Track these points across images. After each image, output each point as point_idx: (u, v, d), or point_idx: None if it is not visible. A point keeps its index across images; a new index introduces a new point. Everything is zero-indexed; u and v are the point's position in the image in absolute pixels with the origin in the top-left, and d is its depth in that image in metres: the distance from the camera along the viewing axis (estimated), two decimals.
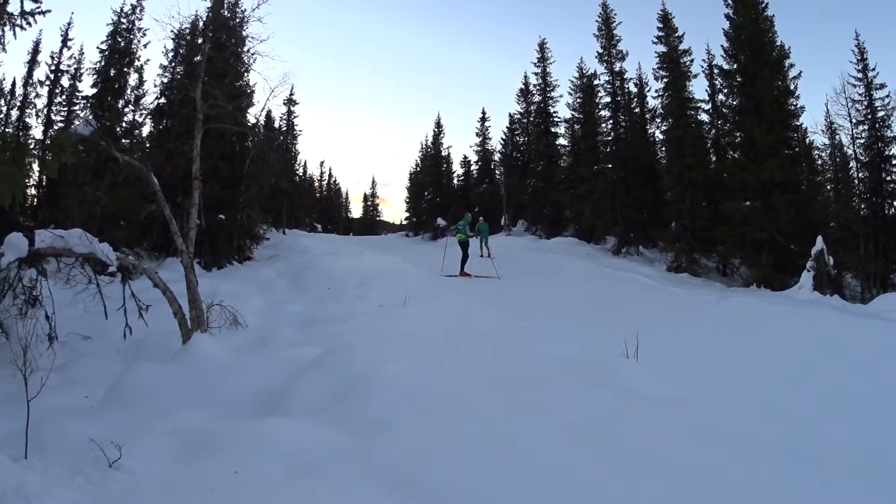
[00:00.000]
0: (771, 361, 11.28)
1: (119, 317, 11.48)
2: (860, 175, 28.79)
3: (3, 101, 30.40)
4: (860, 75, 28.25)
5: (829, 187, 31.98)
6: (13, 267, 10.21)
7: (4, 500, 4.76)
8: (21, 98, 30.66)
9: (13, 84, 31.08)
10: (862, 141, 28.32)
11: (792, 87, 29.42)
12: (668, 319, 15.82)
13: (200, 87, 13.95)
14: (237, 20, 24.10)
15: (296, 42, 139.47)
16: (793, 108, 29.43)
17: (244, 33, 24.03)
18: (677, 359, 10.74)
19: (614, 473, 5.65)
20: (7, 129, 29.25)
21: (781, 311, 18.04)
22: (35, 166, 7.85)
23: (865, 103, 28.11)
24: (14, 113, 30.63)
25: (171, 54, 29.22)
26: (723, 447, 6.32)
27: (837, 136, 30.62)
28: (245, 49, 25.35)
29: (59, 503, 5.05)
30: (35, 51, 31.10)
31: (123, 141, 26.30)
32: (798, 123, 30.04)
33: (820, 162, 32.88)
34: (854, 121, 28.44)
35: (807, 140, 31.60)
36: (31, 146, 7.90)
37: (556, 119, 47.51)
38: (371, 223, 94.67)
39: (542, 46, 48.48)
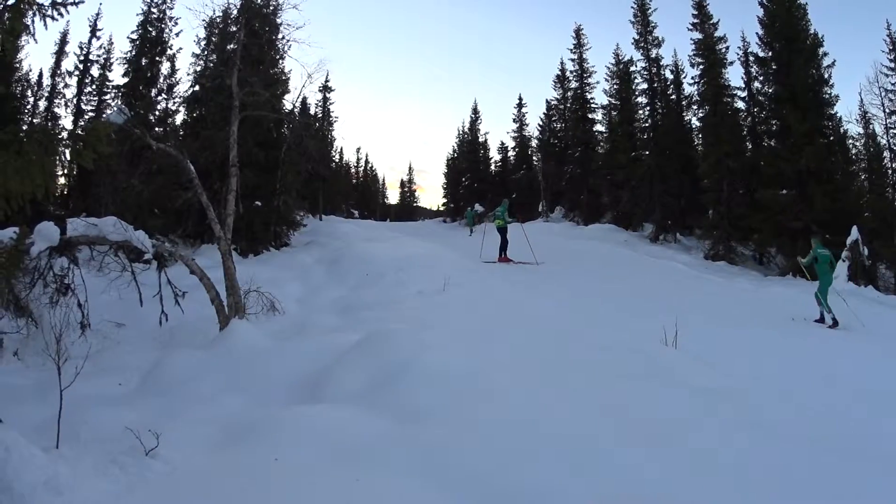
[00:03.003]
0: (810, 353, 11.21)
1: (154, 304, 11.43)
2: (894, 165, 28.55)
3: (30, 92, 30.68)
4: (893, 65, 27.99)
5: (863, 177, 31.61)
6: (44, 256, 10.13)
7: (35, 493, 4.56)
8: (49, 89, 30.97)
9: (40, 75, 31.51)
10: (895, 131, 27.92)
11: (826, 75, 29.45)
12: (707, 307, 15.71)
13: (236, 75, 13.92)
14: (271, 7, 24.06)
15: (331, 28, 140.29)
16: (827, 96, 29.46)
17: (279, 20, 23.98)
18: (716, 347, 10.53)
19: (657, 462, 5.48)
20: (35, 120, 29.49)
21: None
22: (68, 156, 7.64)
23: None
24: (42, 103, 30.97)
25: (203, 43, 29.24)
26: (768, 439, 6.07)
27: (871, 126, 30.45)
28: (280, 36, 25.30)
29: (92, 495, 4.85)
30: (63, 41, 31.59)
31: (157, 129, 26.42)
32: (832, 112, 30.04)
33: (854, 151, 32.43)
34: (888, 111, 28.24)
35: (841, 129, 31.27)
36: (64, 136, 7.69)
37: (593, 105, 47.85)
38: (408, 209, 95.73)
39: (578, 33, 48.77)
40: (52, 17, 7.73)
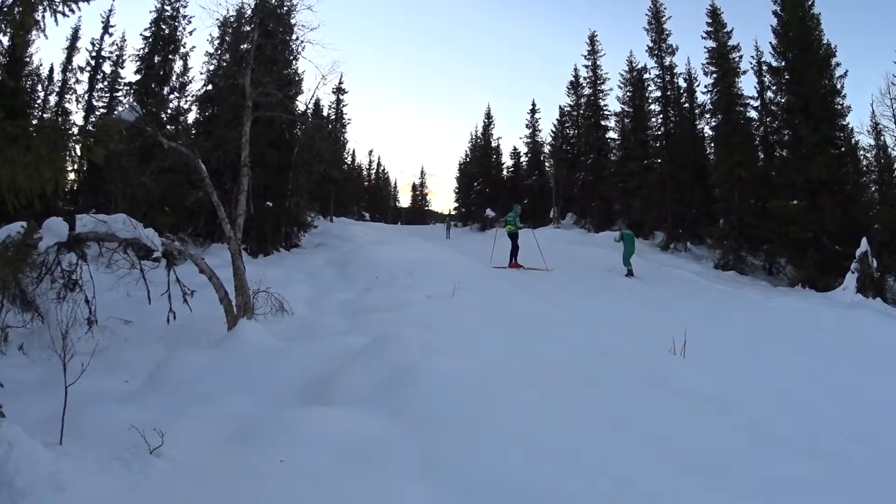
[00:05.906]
0: (819, 366, 11.14)
1: (162, 302, 11.41)
2: None
3: (41, 87, 30.84)
4: None
5: (873, 189, 31.32)
6: (52, 251, 10.10)
7: (37, 489, 4.50)
8: (60, 84, 31.13)
9: (51, 70, 31.73)
10: None
11: (838, 86, 29.21)
12: (716, 317, 15.63)
13: (249, 75, 13.89)
14: (285, 8, 24.11)
15: (346, 30, 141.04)
16: (839, 107, 29.21)
17: (293, 21, 24.02)
18: (724, 358, 10.61)
19: (659, 471, 5.43)
20: (46, 115, 29.66)
21: (826, 313, 17.69)
22: (78, 151, 7.60)
23: None
24: (53, 99, 31.16)
25: (216, 42, 29.37)
26: (774, 452, 6.02)
27: (882, 138, 30.20)
28: (294, 37, 25.36)
29: (95, 492, 4.79)
30: (74, 37, 31.78)
31: (168, 127, 26.54)
32: (844, 123, 29.72)
33: (865, 163, 32.10)
34: None
35: (852, 140, 30.97)
36: (74, 132, 7.65)
37: (606, 112, 47.59)
38: (419, 212, 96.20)
39: (592, 39, 48.64)
40: (63, 14, 7.68)
